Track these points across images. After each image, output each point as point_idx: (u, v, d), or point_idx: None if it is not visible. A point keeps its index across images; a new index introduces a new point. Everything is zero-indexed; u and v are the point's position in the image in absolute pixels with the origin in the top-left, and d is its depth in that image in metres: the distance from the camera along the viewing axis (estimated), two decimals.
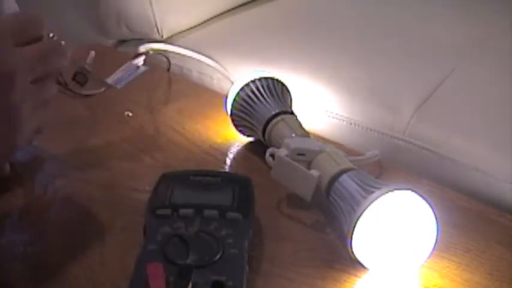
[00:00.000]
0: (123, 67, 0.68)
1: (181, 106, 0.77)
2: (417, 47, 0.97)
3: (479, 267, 0.53)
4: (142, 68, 0.71)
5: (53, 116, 0.59)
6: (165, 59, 0.81)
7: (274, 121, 0.63)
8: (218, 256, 0.46)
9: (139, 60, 0.72)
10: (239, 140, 0.69)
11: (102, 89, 0.70)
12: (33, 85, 0.47)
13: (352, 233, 0.49)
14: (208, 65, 0.86)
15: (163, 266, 0.43)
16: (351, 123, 0.84)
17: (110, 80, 0.63)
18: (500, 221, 0.59)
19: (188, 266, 0.45)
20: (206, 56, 0.85)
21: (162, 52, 0.82)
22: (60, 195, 0.59)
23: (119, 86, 0.64)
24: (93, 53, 0.60)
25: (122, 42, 1.07)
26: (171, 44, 0.90)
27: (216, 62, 0.86)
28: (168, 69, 0.84)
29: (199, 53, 0.85)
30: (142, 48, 0.79)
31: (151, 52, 0.79)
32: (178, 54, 0.85)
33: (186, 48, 0.85)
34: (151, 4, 0.98)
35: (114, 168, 0.63)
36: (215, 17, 1.09)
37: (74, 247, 0.52)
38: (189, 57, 0.86)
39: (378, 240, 0.49)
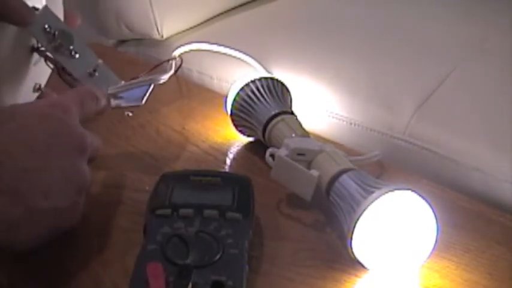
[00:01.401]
0: (139, 79, 0.63)
1: (181, 106, 0.77)
2: (417, 47, 0.97)
3: (479, 267, 0.53)
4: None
5: None
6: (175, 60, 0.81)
7: (274, 121, 0.63)
8: (218, 256, 0.46)
9: (164, 77, 0.65)
10: (239, 140, 0.69)
11: None
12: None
13: (352, 233, 0.49)
14: (248, 63, 0.85)
15: (163, 266, 0.43)
16: (351, 123, 0.84)
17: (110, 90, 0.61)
18: (500, 221, 0.59)
19: (188, 266, 0.45)
20: (247, 54, 0.85)
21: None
22: None
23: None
24: (101, 61, 0.60)
25: (122, 42, 1.07)
26: (207, 42, 0.89)
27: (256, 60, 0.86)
28: (176, 71, 0.84)
29: (241, 51, 0.85)
30: (179, 52, 0.78)
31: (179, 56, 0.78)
32: (217, 52, 0.86)
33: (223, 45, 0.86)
34: (151, 4, 0.98)
35: (114, 168, 0.63)
36: (215, 16, 1.09)
37: (74, 247, 0.52)
38: (229, 55, 0.86)
39: (378, 240, 0.49)
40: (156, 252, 0.46)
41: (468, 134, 0.78)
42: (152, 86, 0.62)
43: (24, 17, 0.53)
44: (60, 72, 0.58)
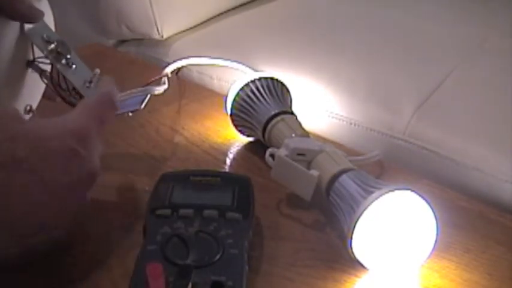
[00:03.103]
0: (135, 90, 0.63)
1: (181, 106, 0.77)
2: (417, 47, 0.97)
3: (478, 267, 0.53)
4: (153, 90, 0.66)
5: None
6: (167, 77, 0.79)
7: (274, 121, 0.63)
8: (218, 256, 0.46)
9: (159, 88, 0.67)
10: (239, 140, 0.69)
11: None
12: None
13: (352, 233, 0.49)
14: (242, 71, 0.82)
15: (163, 266, 0.43)
16: (351, 123, 0.83)
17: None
18: (500, 221, 0.59)
19: (188, 266, 0.45)
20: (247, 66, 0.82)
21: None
22: None
23: None
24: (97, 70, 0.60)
25: (122, 42, 1.07)
26: (202, 56, 0.87)
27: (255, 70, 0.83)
28: (177, 72, 0.83)
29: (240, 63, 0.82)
30: (171, 68, 0.77)
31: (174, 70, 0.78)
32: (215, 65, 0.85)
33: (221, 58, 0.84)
34: (151, 4, 0.98)
35: (114, 168, 0.63)
36: (215, 17, 1.09)
37: (74, 247, 0.52)
38: (222, 66, 0.85)
39: (378, 240, 0.49)
40: (156, 252, 0.46)
41: (468, 134, 0.78)
42: (149, 96, 0.63)
43: (34, 12, 0.53)
44: (56, 87, 0.57)
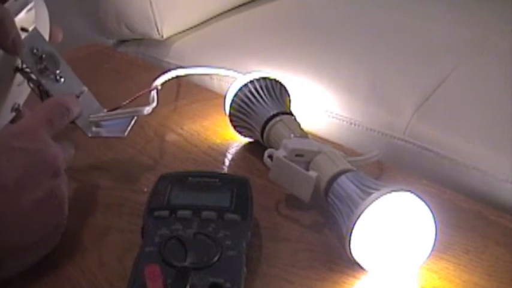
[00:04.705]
0: (123, 111, 0.61)
1: (180, 106, 0.77)
2: (417, 47, 0.97)
3: (477, 268, 0.53)
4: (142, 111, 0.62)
5: None
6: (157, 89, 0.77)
7: (272, 122, 0.63)
8: (216, 258, 0.46)
9: (148, 109, 0.62)
10: (238, 141, 0.69)
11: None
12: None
13: (351, 235, 0.49)
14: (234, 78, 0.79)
15: (160, 268, 0.43)
16: (351, 123, 0.83)
17: (92, 118, 0.59)
18: (499, 221, 0.59)
19: (186, 268, 0.45)
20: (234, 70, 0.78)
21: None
22: None
23: (90, 135, 0.58)
24: (85, 89, 0.60)
25: (122, 42, 1.07)
26: (191, 66, 0.82)
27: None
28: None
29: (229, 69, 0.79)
30: (160, 81, 0.72)
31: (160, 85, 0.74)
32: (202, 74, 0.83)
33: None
34: (151, 4, 0.98)
35: (113, 169, 0.63)
36: (215, 16, 1.09)
37: (72, 248, 0.52)
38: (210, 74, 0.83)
39: (377, 242, 0.49)
40: (154, 254, 0.46)
41: (468, 134, 0.78)
42: (135, 118, 0.61)
43: (15, 46, 0.52)
44: (42, 95, 0.57)
